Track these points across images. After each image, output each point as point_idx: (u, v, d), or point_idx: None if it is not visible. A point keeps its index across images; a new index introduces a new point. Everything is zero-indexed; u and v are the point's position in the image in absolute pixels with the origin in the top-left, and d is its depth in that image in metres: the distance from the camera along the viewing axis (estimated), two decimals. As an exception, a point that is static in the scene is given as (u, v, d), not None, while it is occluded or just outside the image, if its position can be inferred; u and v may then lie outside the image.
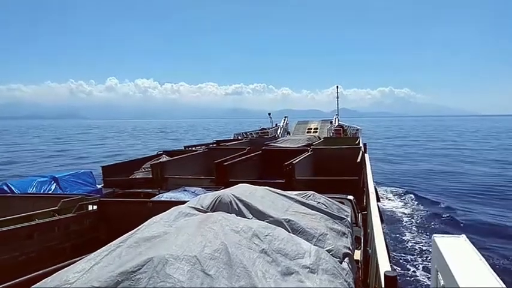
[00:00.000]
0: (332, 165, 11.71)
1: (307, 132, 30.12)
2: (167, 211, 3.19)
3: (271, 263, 2.44)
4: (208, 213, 3.23)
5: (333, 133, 27.34)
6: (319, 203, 4.12)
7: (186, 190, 7.94)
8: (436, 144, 52.44)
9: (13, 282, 3.19)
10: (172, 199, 6.83)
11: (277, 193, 4.04)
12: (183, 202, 4.01)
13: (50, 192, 8.66)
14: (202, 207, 3.45)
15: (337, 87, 40.55)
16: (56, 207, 5.71)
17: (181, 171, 11.23)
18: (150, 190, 8.96)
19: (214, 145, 18.17)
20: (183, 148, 17.12)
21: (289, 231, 3.14)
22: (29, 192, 8.26)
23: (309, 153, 12.56)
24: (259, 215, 3.42)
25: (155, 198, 7.08)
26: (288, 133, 31.77)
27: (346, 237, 3.55)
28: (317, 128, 31.35)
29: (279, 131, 30.74)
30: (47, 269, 3.14)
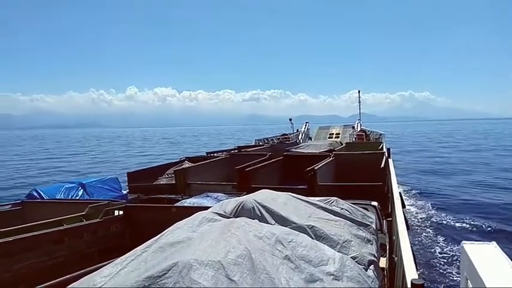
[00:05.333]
0: (355, 171, 11.55)
1: (329, 137, 29.87)
2: (191, 217, 3.22)
3: (294, 269, 2.42)
4: (231, 218, 3.25)
5: (355, 138, 26.98)
6: (342, 209, 4.07)
7: (208, 196, 8.00)
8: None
9: (43, 285, 3.28)
10: (195, 205, 6.89)
11: (299, 199, 4.02)
12: (206, 208, 4.05)
13: (78, 198, 8.92)
14: (225, 212, 3.47)
15: (359, 92, 40.14)
16: (84, 213, 5.87)
17: (203, 177, 11.34)
18: (174, 196, 9.08)
19: (236, 151, 18.24)
20: (205, 154, 17.28)
21: (312, 238, 3.12)
22: (57, 198, 8.53)
23: (331, 158, 12.44)
24: (282, 221, 3.41)
25: (178, 204, 7.16)
26: (310, 138, 31.58)
27: (371, 244, 3.49)
28: (339, 133, 31.05)
29: (300, 137, 30.61)
30: (75, 273, 3.21)
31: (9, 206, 7.19)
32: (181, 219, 3.17)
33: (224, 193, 8.33)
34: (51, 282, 3.27)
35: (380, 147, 18.26)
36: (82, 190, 9.24)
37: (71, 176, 30.80)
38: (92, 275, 2.42)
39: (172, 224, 3.08)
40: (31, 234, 4.90)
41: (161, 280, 2.10)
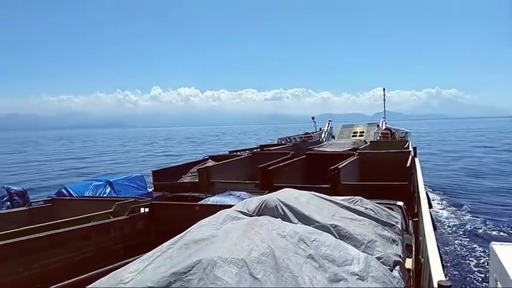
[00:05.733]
0: (379, 170, 11.35)
1: (353, 136, 29.44)
2: (214, 214, 3.25)
3: (318, 268, 2.41)
4: (254, 217, 3.26)
5: (380, 137, 26.50)
6: (367, 208, 4.01)
7: (231, 194, 8.05)
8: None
9: (71, 280, 3.39)
10: (218, 203, 6.96)
11: (322, 198, 3.98)
12: (229, 206, 4.08)
13: (105, 195, 9.17)
14: (248, 211, 3.49)
15: (384, 89, 39.36)
16: (111, 210, 6.04)
17: (226, 175, 11.43)
18: (197, 194, 9.20)
19: (258, 150, 18.28)
20: (227, 153, 17.41)
21: (336, 237, 3.09)
22: (85, 195, 8.81)
23: (355, 157, 12.27)
24: (305, 220, 3.39)
25: (202, 202, 7.25)
26: (333, 137, 31.25)
27: (397, 245, 3.42)
28: (363, 132, 30.56)
29: (323, 135, 30.33)
30: (103, 269, 3.30)
31: (40, 203, 7.47)
32: (204, 217, 3.21)
33: (247, 191, 8.37)
34: (80, 277, 3.37)
35: (406, 145, 17.86)
36: (109, 188, 9.51)
37: (98, 174, 31.72)
38: (119, 270, 2.48)
39: (196, 222, 3.12)
40: (60, 230, 5.08)
41: (186, 276, 2.14)
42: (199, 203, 6.99)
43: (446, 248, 12.27)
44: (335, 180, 9.27)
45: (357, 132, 30.72)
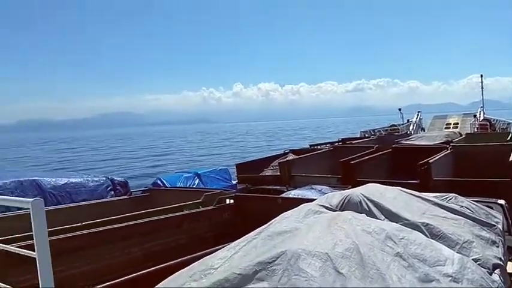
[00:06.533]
0: (477, 165, 10.31)
1: (446, 127, 27.08)
2: (297, 208, 3.29)
3: (407, 267, 2.31)
4: (337, 212, 3.23)
5: (477, 128, 24.01)
6: (462, 206, 3.69)
7: (312, 188, 8.02)
8: None
9: (168, 263, 3.70)
10: (300, 196, 6.99)
11: (411, 194, 3.78)
12: (311, 200, 4.09)
13: (194, 186, 9.84)
14: (330, 205, 3.46)
15: (481, 76, 35.46)
16: (200, 200, 6.45)
17: (307, 169, 11.38)
18: (279, 187, 9.34)
19: (340, 143, 17.86)
20: (308, 147, 17.32)
21: (427, 236, 2.92)
22: (177, 186, 9.55)
23: (448, 151, 11.30)
24: (392, 216, 3.26)
25: (283, 195, 7.35)
26: (422, 129, 29.14)
27: (497, 247, 3.11)
28: (457, 123, 27.96)
29: (411, 128, 28.45)
30: (195, 255, 3.55)
31: (140, 192, 8.28)
32: (286, 210, 3.26)
33: (328, 186, 8.26)
34: (175, 261, 3.67)
35: (508, 138, 15.94)
36: (198, 180, 10.18)
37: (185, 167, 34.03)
38: (209, 257, 2.65)
39: (278, 214, 3.19)
40: (157, 218, 5.58)
41: (271, 266, 2.22)
42: (281, 195, 7.10)
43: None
44: (425, 176, 8.67)
45: (450, 124, 28.19)
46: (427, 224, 3.07)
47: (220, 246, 3.12)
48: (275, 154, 14.65)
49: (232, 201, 6.53)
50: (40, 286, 2.36)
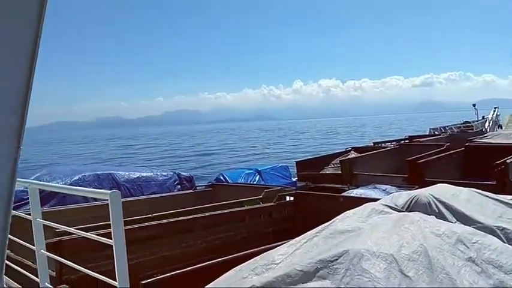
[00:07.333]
0: None
1: None
2: (360, 207, 3.21)
3: (480, 273, 2.16)
4: (403, 212, 3.10)
5: None
6: (546, 211, 3.35)
7: (376, 187, 7.77)
8: None
9: (230, 256, 3.80)
10: (363, 195, 6.82)
11: (486, 196, 3.50)
12: (374, 199, 3.96)
13: (255, 182, 10.03)
14: (396, 206, 3.33)
15: None
16: (260, 196, 6.56)
17: (370, 168, 11.01)
18: (340, 185, 9.16)
19: (407, 141, 17.00)
20: (371, 145, 16.74)
21: (503, 241, 2.70)
22: (238, 182, 9.81)
23: (530, 150, 10.25)
24: (464, 219, 3.05)
25: (345, 194, 7.21)
26: (499, 127, 26.71)
27: None
28: None
29: (486, 125, 26.21)
30: (256, 249, 3.61)
31: (203, 187, 8.63)
32: (348, 209, 3.20)
33: (393, 185, 7.95)
34: (238, 254, 3.77)
35: None
36: (258, 176, 10.37)
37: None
38: (271, 252, 2.69)
39: (339, 213, 3.13)
40: (220, 212, 5.78)
41: (333, 265, 2.20)
42: (342, 194, 6.97)
43: None
44: (502, 177, 7.97)
45: None
46: (504, 228, 2.84)
47: (280, 242, 3.15)
48: (336, 152, 14.37)
49: (292, 198, 6.55)
50: (116, 272, 2.55)
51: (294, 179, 11.29)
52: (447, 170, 10.13)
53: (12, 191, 1.44)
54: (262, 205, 6.28)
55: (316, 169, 12.26)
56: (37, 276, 3.26)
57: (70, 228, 3.34)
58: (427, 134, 22.57)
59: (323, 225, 2.92)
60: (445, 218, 3.07)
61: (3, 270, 1.57)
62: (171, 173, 9.04)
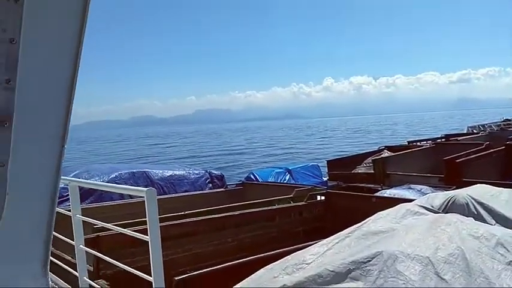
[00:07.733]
0: None
1: None
2: (393, 208, 3.14)
3: None
4: (439, 214, 3.01)
5: None
6: None
7: (410, 188, 7.57)
8: None
9: (261, 255, 3.81)
10: (396, 196, 6.66)
11: None
12: (409, 200, 3.86)
13: (285, 181, 10.02)
14: (432, 207, 3.23)
15: None
16: (291, 196, 6.54)
17: (404, 167, 10.72)
18: (372, 185, 8.98)
19: (443, 140, 16.42)
20: (406, 143, 16.29)
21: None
22: (269, 180, 9.83)
23: None
24: (505, 222, 2.92)
25: (378, 194, 7.07)
26: (545, 124, 25.25)
27: None
28: None
29: (530, 122, 24.86)
30: (287, 248, 3.60)
31: (234, 186, 8.71)
32: (381, 210, 3.13)
33: (429, 186, 7.71)
34: (269, 252, 3.79)
35: None
36: (289, 175, 10.35)
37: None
38: (302, 251, 2.68)
39: (372, 214, 3.07)
40: (250, 210, 5.81)
41: (366, 266, 2.17)
42: (375, 194, 6.84)
43: None
44: (547, 178, 7.55)
45: None
46: (546, 232, 2.69)
47: (311, 242, 3.13)
48: (368, 151, 14.08)
49: (323, 197, 6.50)
50: (151, 267, 2.62)
51: (324, 179, 11.17)
52: (486, 170, 9.70)
53: (57, 189, 1.51)
54: (292, 204, 6.27)
55: (348, 168, 12.07)
56: (76, 270, 3.38)
57: (108, 225, 3.46)
58: (465, 132, 21.70)
59: (355, 226, 2.88)
60: (483, 220, 2.95)
61: (48, 266, 1.64)
62: (203, 172, 9.20)
